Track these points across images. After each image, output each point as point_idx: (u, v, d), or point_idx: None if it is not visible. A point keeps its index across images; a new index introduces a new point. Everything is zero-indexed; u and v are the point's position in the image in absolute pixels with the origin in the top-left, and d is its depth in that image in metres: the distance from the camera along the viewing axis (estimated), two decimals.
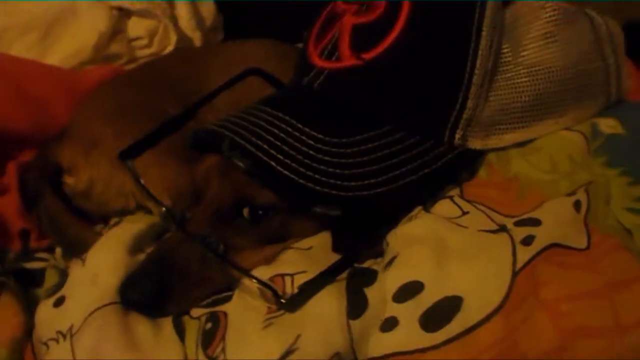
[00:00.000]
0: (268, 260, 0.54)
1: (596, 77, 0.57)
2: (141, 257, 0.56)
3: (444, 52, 0.54)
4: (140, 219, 0.64)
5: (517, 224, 0.48)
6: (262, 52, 0.90)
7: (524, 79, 0.54)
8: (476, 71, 0.53)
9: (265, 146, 0.51)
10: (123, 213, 0.72)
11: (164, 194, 0.68)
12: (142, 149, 0.58)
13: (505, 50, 0.54)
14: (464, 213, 0.51)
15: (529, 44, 0.54)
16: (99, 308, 0.51)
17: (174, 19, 1.05)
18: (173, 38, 1.04)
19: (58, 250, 0.71)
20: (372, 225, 0.53)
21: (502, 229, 0.48)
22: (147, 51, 1.04)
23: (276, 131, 0.52)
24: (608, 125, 0.55)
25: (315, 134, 0.52)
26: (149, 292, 0.50)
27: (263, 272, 0.51)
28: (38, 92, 0.85)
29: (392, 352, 0.43)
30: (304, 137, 0.52)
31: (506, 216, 0.49)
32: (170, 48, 1.04)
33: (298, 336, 0.45)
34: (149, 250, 0.57)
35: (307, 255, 0.53)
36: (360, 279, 0.49)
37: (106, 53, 1.00)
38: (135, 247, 0.58)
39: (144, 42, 1.03)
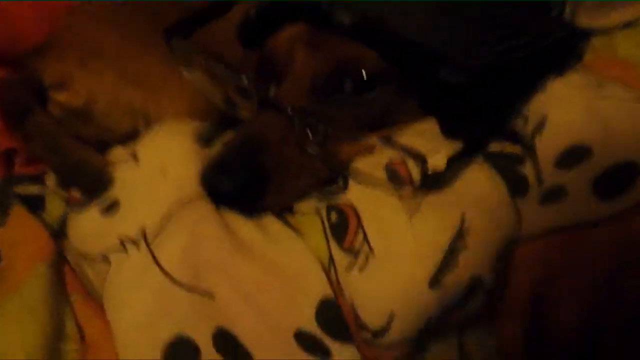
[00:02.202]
0: (371, 151, 0.44)
1: None
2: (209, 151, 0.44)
3: None
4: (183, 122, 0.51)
5: None
6: None
7: None
8: None
9: None
10: (129, 138, 0.58)
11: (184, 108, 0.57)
12: (191, 27, 0.46)
13: None
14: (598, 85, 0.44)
15: None
16: (178, 205, 0.39)
17: None
18: None
19: (50, 179, 0.57)
20: (489, 107, 0.45)
21: None
22: None
23: None
24: None
25: None
26: (243, 181, 0.39)
27: (382, 155, 0.42)
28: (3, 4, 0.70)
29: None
30: None
31: None
32: None
33: (463, 215, 0.36)
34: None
35: (425, 138, 0.43)
36: (505, 159, 0.41)
37: None
38: (199, 139, 0.46)
39: None
